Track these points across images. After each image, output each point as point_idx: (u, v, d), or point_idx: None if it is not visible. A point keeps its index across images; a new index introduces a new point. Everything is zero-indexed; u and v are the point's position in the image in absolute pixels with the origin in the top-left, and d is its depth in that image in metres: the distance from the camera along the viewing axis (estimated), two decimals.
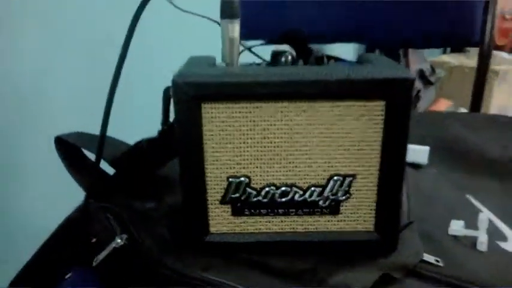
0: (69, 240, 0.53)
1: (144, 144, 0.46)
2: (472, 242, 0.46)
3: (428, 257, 0.42)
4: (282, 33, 0.46)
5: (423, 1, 0.77)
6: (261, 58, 0.46)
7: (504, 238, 0.47)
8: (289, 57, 0.41)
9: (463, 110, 1.92)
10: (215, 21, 0.43)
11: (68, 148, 0.58)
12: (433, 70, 1.93)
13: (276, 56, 0.41)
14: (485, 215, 0.47)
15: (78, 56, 1.03)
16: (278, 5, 0.82)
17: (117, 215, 0.47)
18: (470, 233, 0.46)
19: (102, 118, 0.46)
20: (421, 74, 1.88)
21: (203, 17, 0.43)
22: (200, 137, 0.38)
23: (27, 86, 0.97)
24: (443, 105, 1.97)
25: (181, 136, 0.38)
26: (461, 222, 0.48)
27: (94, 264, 0.43)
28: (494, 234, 0.47)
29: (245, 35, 0.87)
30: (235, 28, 0.39)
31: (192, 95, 0.36)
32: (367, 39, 0.93)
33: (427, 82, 1.92)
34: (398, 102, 0.37)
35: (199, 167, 0.39)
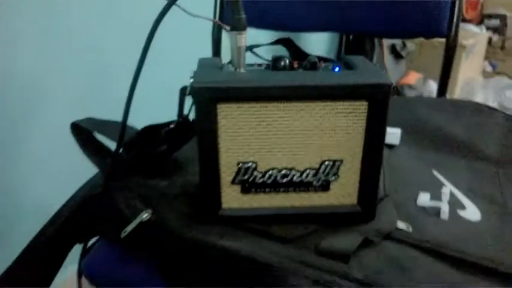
0: (89, 216, 0.60)
1: (163, 133, 0.53)
2: (436, 211, 0.55)
3: (400, 224, 0.52)
4: (278, 39, 0.53)
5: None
6: (262, 59, 0.53)
7: (463, 207, 0.57)
8: (287, 62, 0.49)
9: (432, 83, 2.04)
10: (223, 26, 0.49)
11: (82, 133, 0.64)
12: (404, 44, 2.02)
13: (276, 60, 0.49)
14: (448, 188, 0.57)
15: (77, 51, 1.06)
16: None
17: (140, 194, 0.54)
18: (434, 203, 0.56)
19: (124, 107, 0.52)
20: (393, 49, 1.97)
21: (213, 21, 0.49)
22: (216, 130, 0.46)
23: (29, 79, 1.00)
24: (413, 78, 2.08)
25: (200, 130, 0.46)
26: (427, 195, 0.57)
27: (122, 235, 0.51)
28: (456, 204, 0.57)
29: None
30: (242, 39, 0.47)
31: (209, 97, 0.44)
32: (343, 30, 1.01)
33: (398, 56, 2.01)
34: (378, 102, 0.45)
35: (214, 154, 0.47)
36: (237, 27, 0.46)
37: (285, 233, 0.49)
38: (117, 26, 1.10)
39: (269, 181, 0.48)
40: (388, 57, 1.88)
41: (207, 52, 0.97)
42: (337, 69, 0.49)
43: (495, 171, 0.65)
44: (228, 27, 0.46)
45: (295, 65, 0.50)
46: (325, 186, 0.49)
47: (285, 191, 0.49)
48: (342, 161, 0.48)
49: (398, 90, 1.88)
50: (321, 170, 0.48)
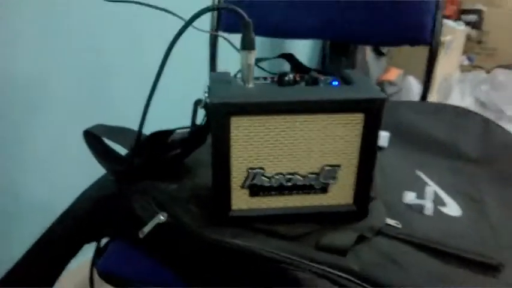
0: (103, 217, 0.64)
1: (178, 141, 0.58)
2: (421, 208, 0.62)
3: (390, 221, 0.58)
4: (281, 54, 0.58)
5: (377, 5, 0.90)
6: (268, 72, 0.58)
7: (445, 204, 0.64)
8: (291, 77, 0.54)
9: (412, 79, 2.11)
10: (232, 45, 0.54)
11: (94, 139, 0.68)
12: None
13: (282, 76, 0.54)
14: (432, 188, 0.64)
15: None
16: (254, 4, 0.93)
17: (154, 196, 0.59)
18: (419, 201, 0.62)
19: (142, 115, 0.57)
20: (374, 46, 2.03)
21: (225, 39, 0.54)
22: (228, 140, 0.51)
23: (29, 79, 1.02)
24: (393, 74, 2.15)
25: (214, 140, 0.51)
26: (413, 194, 0.64)
27: (141, 236, 0.56)
28: (438, 202, 0.63)
29: (224, 27, 0.98)
30: (252, 57, 0.52)
31: (224, 112, 0.49)
32: (329, 38, 1.07)
33: (379, 53, 2.08)
34: (373, 114, 0.51)
35: (226, 161, 0.52)
36: (248, 47, 0.51)
37: (289, 231, 0.54)
38: (117, 26, 1.13)
39: (275, 185, 0.54)
40: (370, 55, 1.94)
41: (202, 55, 1.01)
42: (335, 83, 0.55)
43: (473, 170, 0.72)
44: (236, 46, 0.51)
45: (298, 78, 0.55)
46: (324, 189, 0.55)
47: (289, 193, 0.55)
48: (340, 166, 0.54)
49: (379, 87, 1.95)
50: (321, 174, 0.54)
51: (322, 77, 0.56)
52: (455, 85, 2.35)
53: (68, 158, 1.09)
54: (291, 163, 0.53)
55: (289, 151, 0.53)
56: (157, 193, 0.60)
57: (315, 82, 0.54)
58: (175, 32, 0.51)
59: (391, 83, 2.03)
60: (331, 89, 0.53)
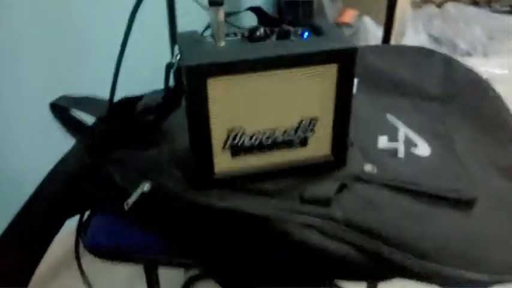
0: (82, 191, 0.62)
1: (153, 107, 0.57)
2: (394, 151, 0.64)
3: (366, 166, 0.60)
4: (249, 7, 0.57)
5: None
6: (237, 27, 0.57)
7: (415, 145, 0.66)
8: (263, 31, 0.53)
9: (368, 19, 2.12)
10: (199, 4, 0.53)
11: (61, 111, 0.66)
12: None
13: (252, 31, 0.53)
14: (402, 131, 0.66)
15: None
16: None
17: (132, 164, 0.58)
18: (392, 145, 0.64)
19: (112, 80, 0.55)
20: None
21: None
22: (206, 102, 0.50)
23: None
24: (349, 16, 2.15)
25: (191, 103, 0.50)
26: (385, 138, 0.66)
27: (126, 208, 0.55)
28: (409, 143, 0.66)
29: None
30: (221, 13, 0.51)
31: (200, 74, 0.48)
32: None
33: None
34: (346, 64, 0.52)
35: (205, 124, 0.52)
36: (215, 3, 0.50)
37: (271, 187, 0.56)
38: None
39: (256, 143, 0.54)
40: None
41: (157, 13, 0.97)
42: (306, 34, 0.55)
43: (438, 108, 0.75)
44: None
45: (268, 32, 0.54)
46: (303, 142, 0.56)
47: (270, 150, 0.55)
48: (316, 119, 0.55)
49: None
50: (300, 128, 0.55)
51: (292, 29, 0.55)
52: (409, 22, 2.37)
53: (45, 135, 1.05)
54: (269, 120, 0.53)
55: (266, 108, 0.53)
56: (136, 161, 0.59)
57: (286, 35, 0.53)
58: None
59: (347, 25, 2.03)
60: (303, 41, 0.53)
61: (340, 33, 0.54)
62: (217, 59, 0.49)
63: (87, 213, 0.63)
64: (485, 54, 2.22)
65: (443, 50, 2.27)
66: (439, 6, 2.58)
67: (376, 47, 0.94)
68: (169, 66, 0.53)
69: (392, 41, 1.06)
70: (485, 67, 1.86)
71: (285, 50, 0.50)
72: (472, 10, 2.49)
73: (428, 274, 0.50)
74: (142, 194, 0.55)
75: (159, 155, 0.60)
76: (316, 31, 0.55)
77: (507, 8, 2.67)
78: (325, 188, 0.55)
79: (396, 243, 0.51)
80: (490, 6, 2.73)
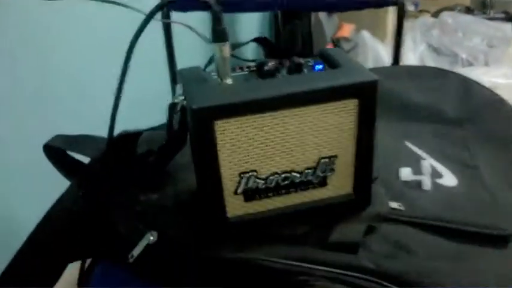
0: (83, 237, 0.57)
1: (156, 148, 0.52)
2: (419, 184, 0.59)
3: (392, 204, 0.55)
4: (255, 38, 0.53)
5: None
6: (244, 60, 0.52)
7: (440, 176, 0.61)
8: (272, 66, 0.49)
9: (366, 33, 2.08)
10: (201, 36, 0.48)
11: (55, 152, 0.61)
12: None
13: (261, 66, 0.48)
14: (427, 161, 0.61)
15: None
16: None
17: (135, 211, 0.53)
18: (416, 177, 0.59)
19: (111, 116, 0.50)
20: None
21: (192, 29, 0.47)
22: (215, 146, 0.45)
23: None
24: (347, 30, 2.12)
25: (198, 147, 0.46)
26: (408, 169, 0.61)
27: (130, 260, 0.50)
28: (434, 174, 0.61)
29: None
30: (226, 49, 0.46)
31: (208, 117, 0.44)
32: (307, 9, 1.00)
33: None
34: (367, 98, 0.47)
35: (215, 169, 0.47)
36: (220, 39, 0.46)
37: (289, 232, 0.50)
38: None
39: (271, 186, 0.49)
40: (322, 13, 1.89)
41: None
42: (319, 66, 0.50)
43: (460, 133, 0.70)
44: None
45: (278, 65, 0.50)
46: (323, 182, 0.51)
47: (286, 192, 0.50)
48: (336, 156, 0.50)
49: (335, 45, 1.91)
50: (319, 168, 0.50)
51: (302, 60, 0.51)
52: (407, 33, 2.34)
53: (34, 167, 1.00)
54: (285, 161, 0.48)
55: (281, 148, 0.48)
56: (139, 206, 0.54)
57: (298, 68, 0.49)
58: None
59: (346, 39, 2.00)
60: (318, 75, 0.49)
61: (356, 63, 0.50)
62: (226, 99, 0.44)
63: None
64: (486, 63, 2.19)
65: (444, 59, 2.24)
66: (434, 15, 2.55)
67: (385, 68, 0.89)
68: (172, 107, 0.48)
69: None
70: (488, 77, 1.82)
71: (300, 86, 0.46)
72: (468, 18, 2.46)
73: None
74: (148, 245, 0.50)
75: (164, 199, 0.56)
76: (329, 62, 0.50)
77: (501, 15, 2.65)
78: (350, 231, 0.50)
79: None
80: (484, 13, 2.71)
